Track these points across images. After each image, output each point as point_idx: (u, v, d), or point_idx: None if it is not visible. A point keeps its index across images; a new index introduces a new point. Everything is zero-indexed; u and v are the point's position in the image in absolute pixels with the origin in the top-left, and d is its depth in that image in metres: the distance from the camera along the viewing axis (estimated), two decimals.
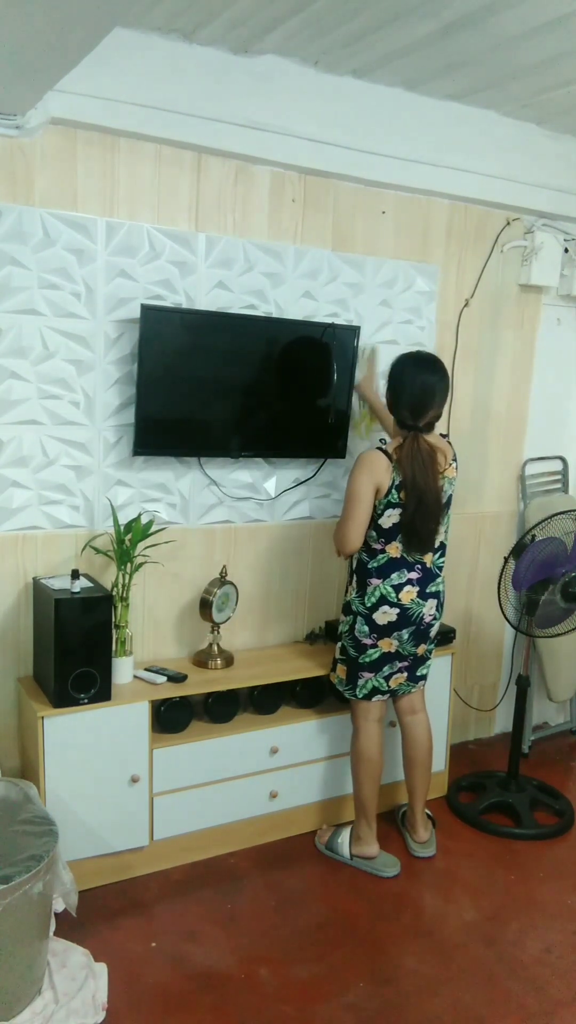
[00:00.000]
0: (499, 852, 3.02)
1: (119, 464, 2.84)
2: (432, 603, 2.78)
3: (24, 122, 2.47)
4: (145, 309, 2.64)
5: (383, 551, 2.70)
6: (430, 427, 2.70)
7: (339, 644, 2.86)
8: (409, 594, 2.72)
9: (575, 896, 2.79)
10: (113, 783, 2.64)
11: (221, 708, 2.89)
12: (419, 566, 2.73)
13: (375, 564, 2.71)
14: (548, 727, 4.02)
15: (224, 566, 2.99)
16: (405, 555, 2.71)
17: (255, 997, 2.28)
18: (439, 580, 2.81)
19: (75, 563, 2.81)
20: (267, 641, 3.27)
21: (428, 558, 2.75)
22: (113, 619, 2.66)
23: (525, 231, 3.49)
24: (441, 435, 2.78)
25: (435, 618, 2.81)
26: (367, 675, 2.79)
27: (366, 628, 2.74)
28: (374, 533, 2.70)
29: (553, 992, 2.34)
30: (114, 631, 2.70)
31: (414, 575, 2.72)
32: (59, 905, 2.32)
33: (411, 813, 3.01)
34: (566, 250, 3.54)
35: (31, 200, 2.57)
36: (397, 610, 2.71)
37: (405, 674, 2.83)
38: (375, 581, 2.71)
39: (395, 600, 2.71)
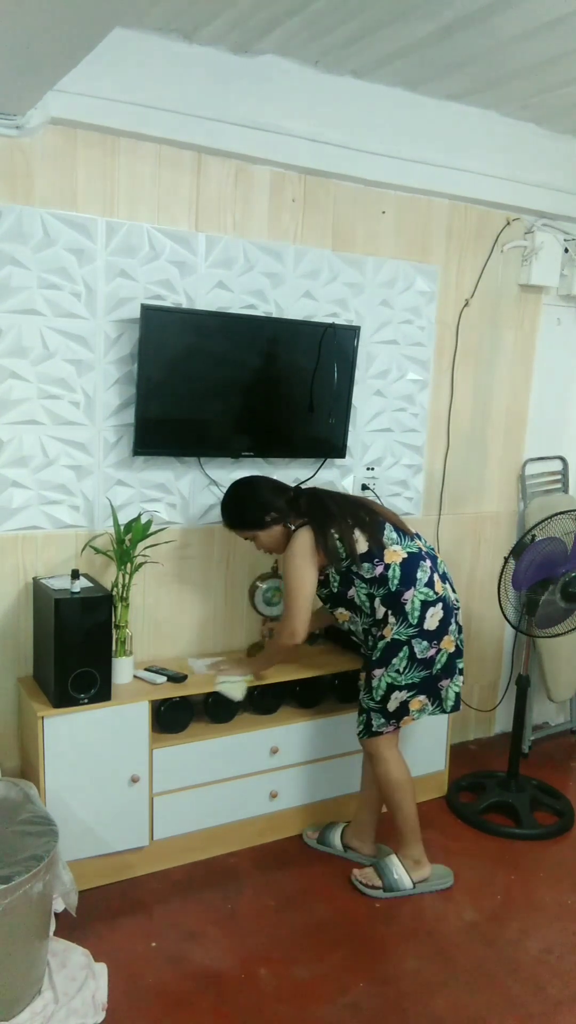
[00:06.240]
0: (499, 852, 3.02)
1: (119, 464, 2.84)
2: (448, 585, 2.72)
3: (24, 122, 2.47)
4: (145, 309, 2.64)
5: (385, 564, 2.60)
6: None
7: (387, 693, 2.63)
8: (439, 583, 2.66)
9: (575, 896, 2.79)
10: (113, 783, 2.64)
11: (221, 708, 2.88)
12: (423, 552, 2.68)
13: (395, 581, 2.60)
14: (548, 727, 4.02)
15: (277, 559, 3.03)
16: (408, 550, 2.63)
17: (255, 997, 2.28)
18: (441, 562, 2.75)
19: (75, 563, 2.81)
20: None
21: (419, 543, 2.70)
22: (113, 619, 2.66)
23: (525, 231, 3.49)
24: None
25: (458, 601, 2.76)
26: (445, 682, 2.69)
27: (424, 643, 2.62)
28: (363, 568, 2.61)
29: (553, 992, 2.34)
30: (114, 631, 2.70)
31: (427, 562, 2.66)
32: (59, 905, 2.32)
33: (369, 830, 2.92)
34: (566, 250, 3.55)
35: (31, 200, 2.57)
36: (440, 603, 2.64)
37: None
38: (408, 594, 2.61)
39: (434, 596, 2.63)
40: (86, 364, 2.72)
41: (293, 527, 2.68)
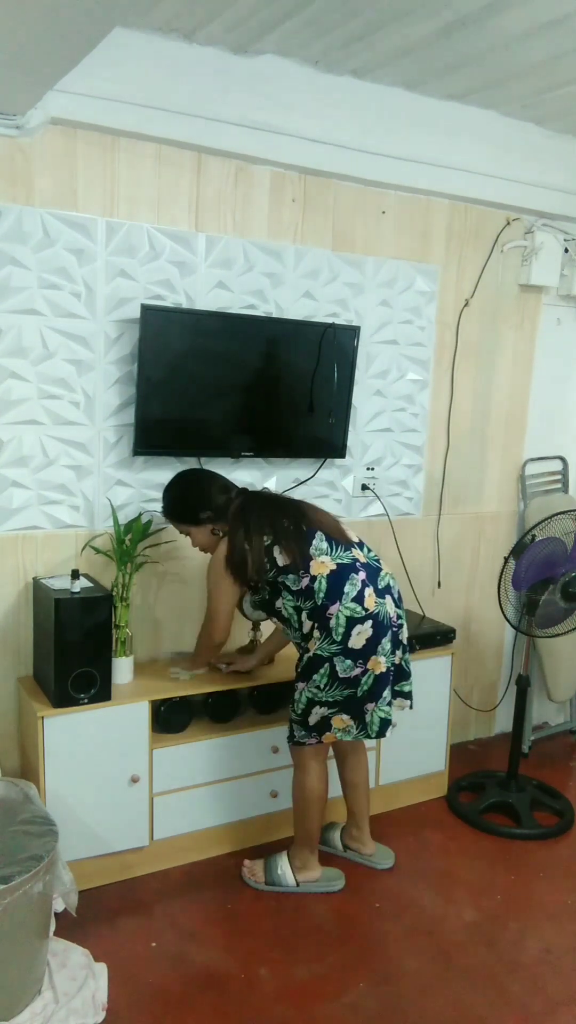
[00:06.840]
0: (499, 852, 3.02)
1: (119, 464, 2.84)
2: (389, 600, 2.55)
3: (24, 122, 2.47)
4: (145, 309, 2.64)
5: (311, 576, 2.45)
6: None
7: (311, 707, 2.54)
8: (371, 598, 2.49)
9: (575, 896, 2.79)
10: (113, 783, 2.64)
11: (221, 708, 2.89)
12: (359, 563, 2.52)
13: (320, 594, 2.45)
14: (548, 727, 4.02)
15: None
16: (339, 561, 2.48)
17: (255, 997, 2.28)
18: (385, 575, 2.59)
19: (75, 563, 2.81)
20: None
21: (358, 553, 2.55)
22: (113, 619, 2.66)
23: (525, 231, 3.49)
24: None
25: (400, 618, 2.61)
26: (370, 706, 2.53)
27: (348, 661, 2.48)
28: (288, 580, 2.47)
29: (553, 992, 2.34)
30: (114, 631, 2.70)
31: (361, 575, 2.50)
32: (59, 905, 2.32)
33: (359, 831, 2.89)
34: (566, 250, 3.55)
35: (31, 200, 2.57)
36: (370, 621, 2.47)
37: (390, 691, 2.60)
38: (334, 608, 2.45)
39: (363, 613, 2.47)
40: (86, 364, 2.72)
41: (221, 534, 2.59)
